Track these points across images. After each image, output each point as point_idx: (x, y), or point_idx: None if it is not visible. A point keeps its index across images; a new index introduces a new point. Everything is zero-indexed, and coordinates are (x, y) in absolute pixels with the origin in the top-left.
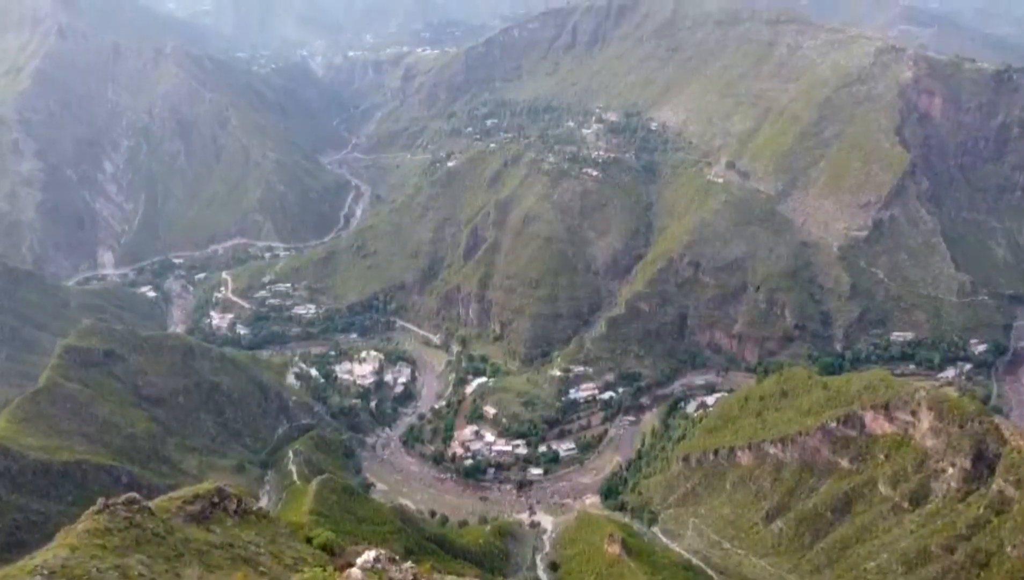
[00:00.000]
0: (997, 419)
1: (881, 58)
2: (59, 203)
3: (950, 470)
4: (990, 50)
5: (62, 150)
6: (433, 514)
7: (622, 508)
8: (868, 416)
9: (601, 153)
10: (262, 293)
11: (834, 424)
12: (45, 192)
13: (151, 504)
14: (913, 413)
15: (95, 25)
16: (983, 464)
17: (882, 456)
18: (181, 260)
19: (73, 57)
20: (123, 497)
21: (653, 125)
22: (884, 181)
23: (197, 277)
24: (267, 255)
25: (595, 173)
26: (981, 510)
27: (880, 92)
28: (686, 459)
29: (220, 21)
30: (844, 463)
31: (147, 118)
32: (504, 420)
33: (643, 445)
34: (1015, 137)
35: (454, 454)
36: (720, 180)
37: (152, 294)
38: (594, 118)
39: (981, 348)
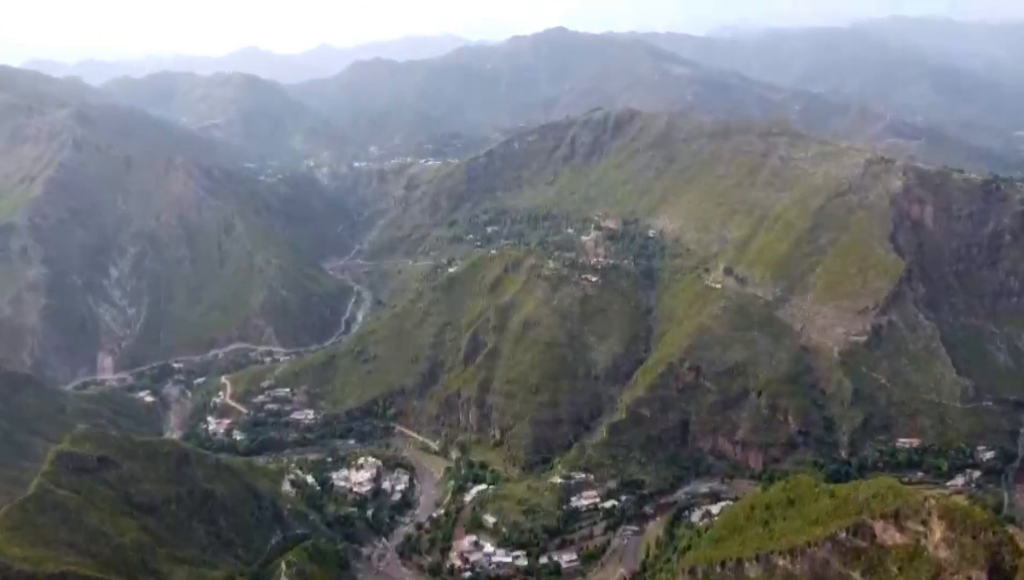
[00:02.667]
0: (1011, 529)
1: (871, 169)
2: (62, 308)
3: None
4: (976, 161)
5: (69, 256)
6: None
7: None
8: (878, 526)
9: (600, 259)
10: (260, 398)
11: (843, 534)
12: (50, 297)
13: None
14: (924, 523)
15: (109, 138)
16: (999, 577)
17: (895, 568)
18: (181, 365)
19: (86, 168)
20: None
21: (651, 232)
22: (880, 287)
23: (196, 382)
24: (267, 360)
25: (595, 279)
26: None
27: (872, 201)
28: (692, 571)
29: (230, 134)
30: (856, 576)
31: (154, 225)
32: (504, 530)
33: (647, 556)
34: (1007, 244)
35: (452, 566)
36: (718, 286)
37: (150, 399)
38: (593, 226)
39: (989, 455)
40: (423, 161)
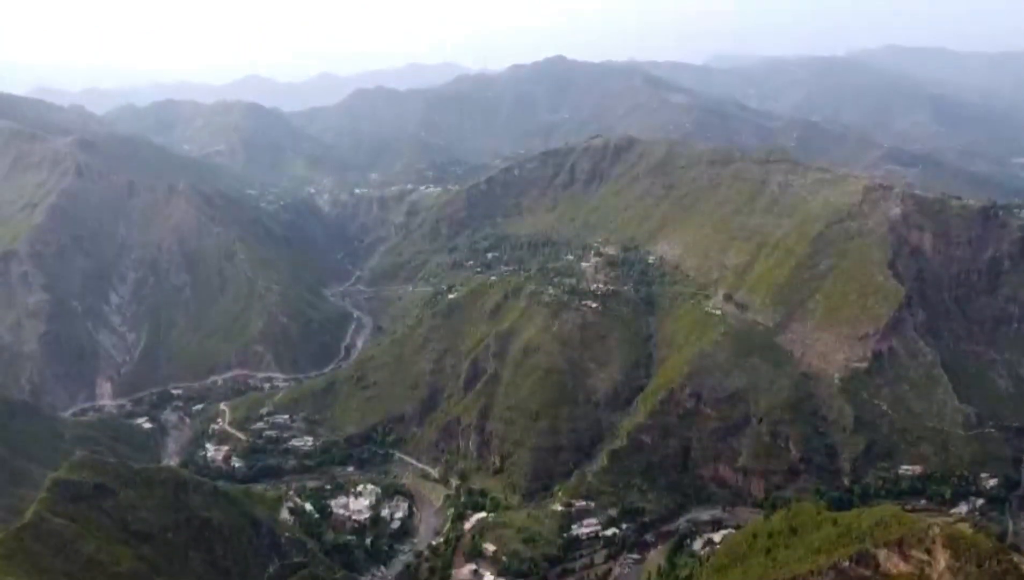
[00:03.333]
0: (1016, 557)
1: (869, 196)
2: (62, 334)
3: None
4: (974, 188)
5: (69, 283)
6: None
7: None
8: (881, 554)
9: (600, 286)
10: (259, 425)
11: (847, 563)
12: (49, 324)
13: None
14: (928, 551)
15: (112, 165)
16: None
17: None
18: (180, 391)
19: (88, 194)
20: None
21: (651, 259)
22: (881, 313)
23: (195, 408)
24: (266, 386)
25: (595, 305)
26: None
27: (871, 228)
28: None
29: (233, 161)
30: None
31: (155, 251)
32: (504, 558)
33: None
34: (1006, 270)
35: None
36: (718, 312)
37: (148, 425)
38: (593, 252)
39: (992, 482)
40: (424, 188)
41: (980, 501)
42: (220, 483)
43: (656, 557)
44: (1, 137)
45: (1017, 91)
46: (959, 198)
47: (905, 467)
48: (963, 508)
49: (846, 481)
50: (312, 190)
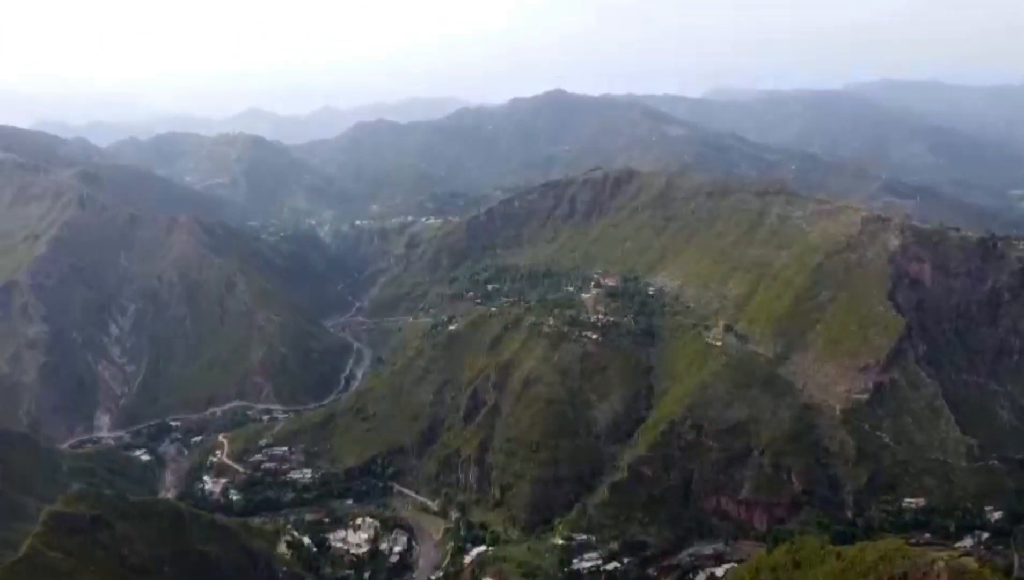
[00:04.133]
0: None
1: (868, 227)
2: (61, 366)
3: None
4: (971, 219)
5: (70, 314)
6: None
7: None
8: None
9: (600, 317)
10: (258, 457)
11: None
12: (48, 355)
13: None
14: None
15: (114, 197)
16: None
17: None
18: (178, 423)
19: (90, 226)
20: None
21: (651, 290)
22: (881, 344)
23: (193, 440)
24: (266, 418)
25: (595, 336)
26: None
27: (870, 259)
28: None
29: (235, 193)
30: None
31: (156, 283)
32: None
33: None
34: (1006, 302)
35: None
36: (719, 343)
37: (146, 458)
38: (593, 283)
39: (997, 515)
40: (424, 219)
41: (985, 534)
42: (218, 516)
43: None
44: (4, 169)
45: (1012, 124)
46: (957, 229)
47: (908, 500)
48: (968, 541)
49: (849, 514)
50: (313, 222)
